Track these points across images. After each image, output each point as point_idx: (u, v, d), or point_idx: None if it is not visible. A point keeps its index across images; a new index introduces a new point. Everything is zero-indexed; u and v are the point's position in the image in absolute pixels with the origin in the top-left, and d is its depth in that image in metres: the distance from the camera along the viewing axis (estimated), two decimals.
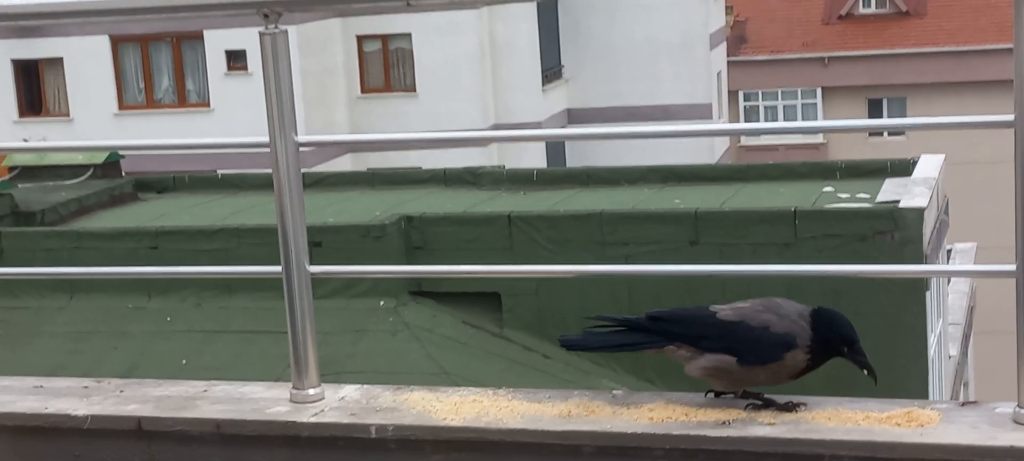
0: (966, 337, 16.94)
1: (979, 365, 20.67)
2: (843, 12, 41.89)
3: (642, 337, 3.30)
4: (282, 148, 3.38)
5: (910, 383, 10.92)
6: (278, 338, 10.78)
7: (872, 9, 41.98)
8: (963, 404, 3.16)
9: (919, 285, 11.33)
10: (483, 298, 12.32)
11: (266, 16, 3.30)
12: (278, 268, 3.46)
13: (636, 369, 11.29)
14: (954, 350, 15.33)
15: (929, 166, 13.20)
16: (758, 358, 3.18)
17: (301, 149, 3.44)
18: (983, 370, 21.54)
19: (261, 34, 3.32)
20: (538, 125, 30.40)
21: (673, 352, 3.28)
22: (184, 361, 11.77)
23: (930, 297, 12.00)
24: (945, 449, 2.93)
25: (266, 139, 3.41)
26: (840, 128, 3.62)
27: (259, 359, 11.34)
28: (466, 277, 12.02)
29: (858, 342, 3.19)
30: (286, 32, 3.33)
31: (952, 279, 16.86)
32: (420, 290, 12.28)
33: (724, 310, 3.26)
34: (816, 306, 3.25)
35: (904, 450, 2.96)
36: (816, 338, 3.18)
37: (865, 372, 3.19)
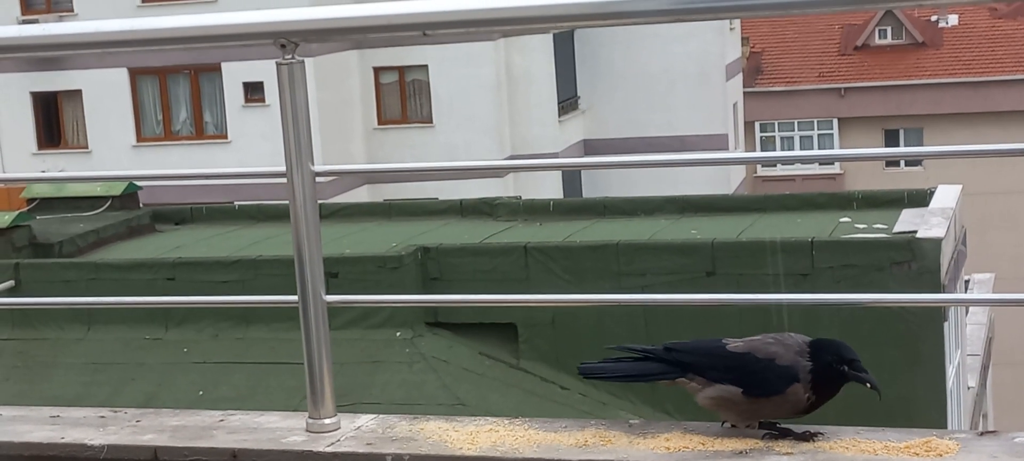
0: (985, 368, 16.85)
1: (998, 396, 20.54)
2: (859, 43, 41.90)
3: (658, 367, 3.32)
4: (299, 178, 3.39)
5: (929, 414, 10.86)
6: (295, 369, 10.76)
7: (888, 40, 41.98)
8: (982, 434, 3.14)
9: (937, 316, 11.28)
10: (499, 329, 12.30)
11: (283, 46, 3.32)
12: (294, 297, 3.47)
13: (654, 400, 11.25)
14: (973, 381, 15.24)
15: (946, 196, 13.15)
16: (762, 390, 3.18)
17: (318, 179, 3.45)
18: (1002, 401, 21.42)
19: (278, 65, 3.34)
20: (554, 156, 30.43)
21: (686, 383, 3.29)
22: (201, 392, 11.77)
23: (948, 328, 11.95)
24: None
25: (283, 169, 3.42)
26: (855, 157, 3.62)
27: (276, 390, 11.34)
28: (482, 307, 12.01)
29: (858, 360, 3.18)
30: (303, 63, 3.35)
31: (970, 310, 16.79)
32: (436, 321, 12.27)
33: (735, 343, 3.28)
34: (817, 337, 3.25)
35: None
36: (815, 367, 3.17)
37: (868, 386, 3.17)
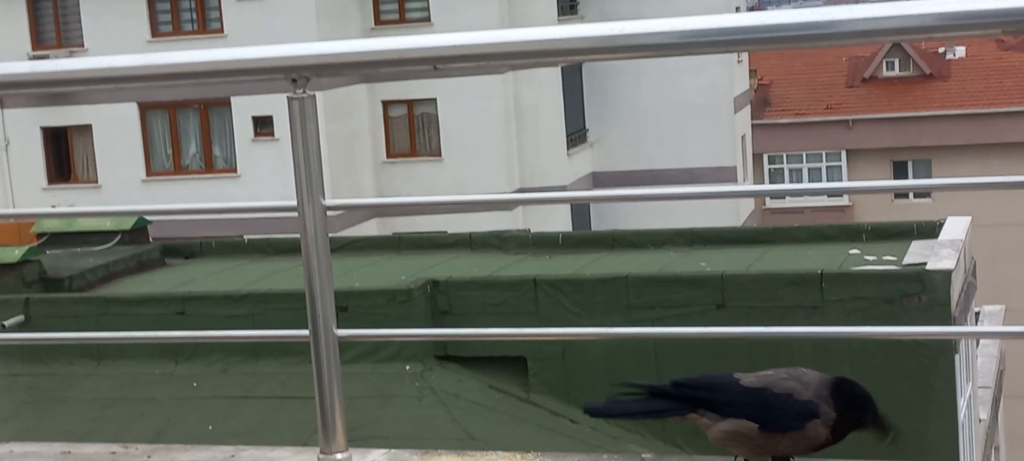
0: (996, 401, 16.78)
1: (1010, 429, 20.45)
2: (867, 75, 41.93)
3: (667, 404, 3.29)
4: (310, 211, 3.39)
5: (940, 448, 10.82)
6: (305, 404, 10.77)
7: (896, 72, 42.01)
8: None
9: (948, 348, 11.25)
10: (509, 363, 12.29)
11: (294, 81, 3.33)
12: (305, 332, 3.46)
13: (664, 435, 11.22)
14: (984, 414, 15.17)
15: (956, 228, 13.14)
16: (779, 426, 3.16)
17: (328, 212, 3.45)
18: (1015, 434, 21.32)
19: (289, 99, 3.34)
20: (563, 189, 30.43)
21: (696, 419, 3.26)
22: (211, 427, 11.76)
23: (959, 360, 11.91)
24: None
25: (294, 203, 3.42)
26: (863, 189, 3.61)
27: (286, 425, 11.32)
28: (493, 341, 11.99)
29: (879, 413, 3.16)
30: (314, 97, 3.35)
31: (981, 342, 16.73)
32: (446, 354, 12.26)
33: (748, 378, 3.25)
34: (837, 376, 3.23)
35: None
36: (838, 407, 3.15)
37: (889, 437, 3.15)
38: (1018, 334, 3.36)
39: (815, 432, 3.15)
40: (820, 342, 9.91)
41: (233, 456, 3.62)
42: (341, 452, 3.47)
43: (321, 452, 3.48)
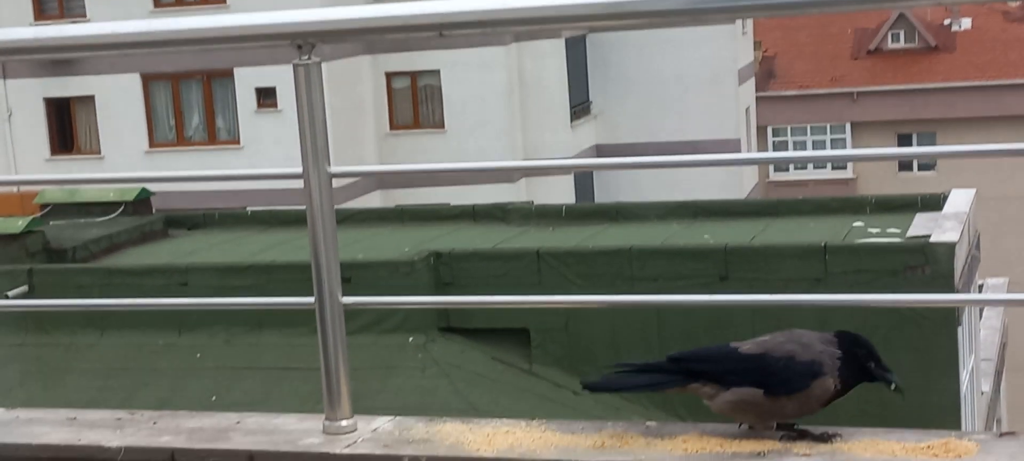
0: (998, 374, 16.79)
1: (1012, 401, 20.48)
2: (872, 47, 41.83)
3: (665, 377, 3.30)
4: (315, 178, 3.38)
5: (943, 419, 10.83)
6: (308, 375, 10.79)
7: (901, 44, 41.91)
8: (1002, 435, 3.13)
9: (950, 320, 11.25)
10: (512, 334, 12.30)
11: (300, 47, 3.32)
12: (311, 299, 3.46)
13: (667, 406, 11.24)
14: (986, 386, 15.19)
15: (960, 201, 13.12)
16: (785, 389, 3.16)
17: (333, 181, 3.45)
18: (1016, 406, 21.35)
19: (295, 66, 3.34)
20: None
21: (698, 389, 3.26)
22: (214, 397, 11.78)
23: (962, 333, 11.92)
24: None
25: (299, 170, 3.41)
26: (866, 157, 3.60)
27: (289, 395, 11.35)
28: (495, 311, 12.00)
29: (882, 359, 3.17)
30: (320, 64, 3.35)
31: (984, 315, 16.73)
32: (449, 326, 12.27)
33: (746, 345, 3.26)
34: (836, 330, 3.23)
35: None
36: (844, 359, 3.16)
37: (892, 387, 3.15)
38: (1019, 301, 3.36)
39: (822, 388, 3.16)
40: (822, 314, 9.89)
41: (239, 423, 3.63)
42: (347, 419, 3.48)
43: (327, 419, 3.49)
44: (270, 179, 3.63)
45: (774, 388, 3.16)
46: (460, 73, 29.95)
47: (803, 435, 3.18)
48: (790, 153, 3.52)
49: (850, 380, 3.18)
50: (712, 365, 3.24)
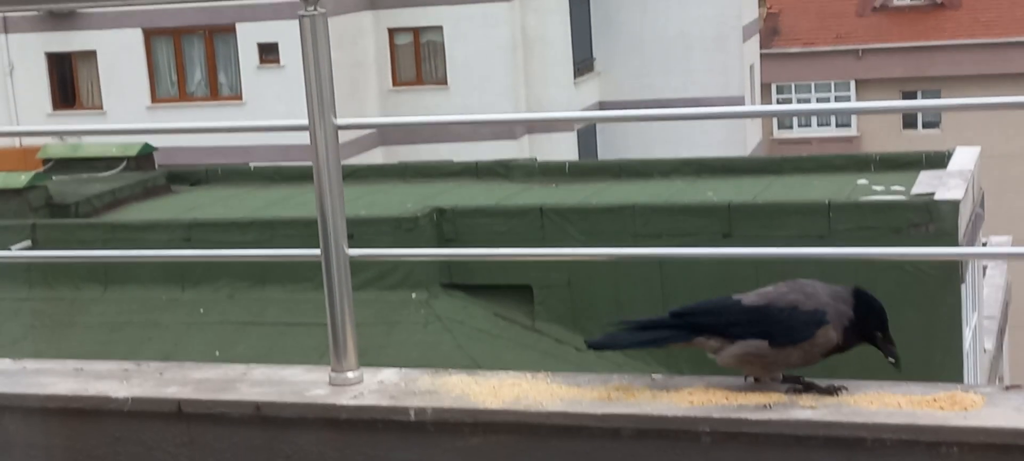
0: (1001, 331, 16.80)
1: (1015, 359, 20.51)
2: (877, 4, 41.63)
3: (669, 332, 3.29)
4: (321, 131, 3.38)
5: (945, 376, 10.84)
6: (312, 329, 10.81)
7: (906, 1, 41.71)
8: (1007, 388, 3.13)
9: (954, 277, 11.25)
10: (515, 291, 12.30)
11: None
12: (317, 251, 3.46)
13: (670, 362, 11.27)
14: (989, 344, 15.20)
15: (964, 159, 13.09)
16: (790, 338, 3.16)
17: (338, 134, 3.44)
18: (1020, 364, 21.39)
19: (301, 16, 3.32)
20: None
21: (702, 343, 3.26)
22: (217, 352, 11.81)
23: (965, 290, 11.91)
24: (990, 432, 2.91)
25: (305, 123, 3.41)
26: (869, 109, 3.59)
27: (293, 350, 11.36)
28: (498, 267, 12.00)
29: (889, 330, 3.18)
30: (326, 14, 3.33)
31: (987, 273, 16.73)
32: (452, 282, 12.27)
33: (749, 296, 3.25)
34: (853, 286, 3.23)
35: (948, 433, 2.93)
36: (855, 317, 3.16)
37: (891, 360, 3.16)
38: (1021, 255, 3.36)
39: (826, 337, 3.17)
40: (826, 271, 9.91)
41: (245, 374, 3.64)
42: (353, 371, 3.49)
43: (333, 371, 3.50)
44: (276, 131, 3.61)
45: (779, 338, 3.16)
46: (463, 29, 29.85)
47: (809, 388, 3.18)
48: (793, 106, 3.49)
49: (852, 340, 3.18)
50: (716, 318, 3.24)
